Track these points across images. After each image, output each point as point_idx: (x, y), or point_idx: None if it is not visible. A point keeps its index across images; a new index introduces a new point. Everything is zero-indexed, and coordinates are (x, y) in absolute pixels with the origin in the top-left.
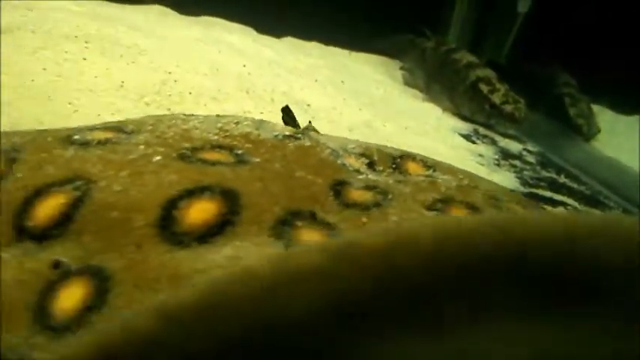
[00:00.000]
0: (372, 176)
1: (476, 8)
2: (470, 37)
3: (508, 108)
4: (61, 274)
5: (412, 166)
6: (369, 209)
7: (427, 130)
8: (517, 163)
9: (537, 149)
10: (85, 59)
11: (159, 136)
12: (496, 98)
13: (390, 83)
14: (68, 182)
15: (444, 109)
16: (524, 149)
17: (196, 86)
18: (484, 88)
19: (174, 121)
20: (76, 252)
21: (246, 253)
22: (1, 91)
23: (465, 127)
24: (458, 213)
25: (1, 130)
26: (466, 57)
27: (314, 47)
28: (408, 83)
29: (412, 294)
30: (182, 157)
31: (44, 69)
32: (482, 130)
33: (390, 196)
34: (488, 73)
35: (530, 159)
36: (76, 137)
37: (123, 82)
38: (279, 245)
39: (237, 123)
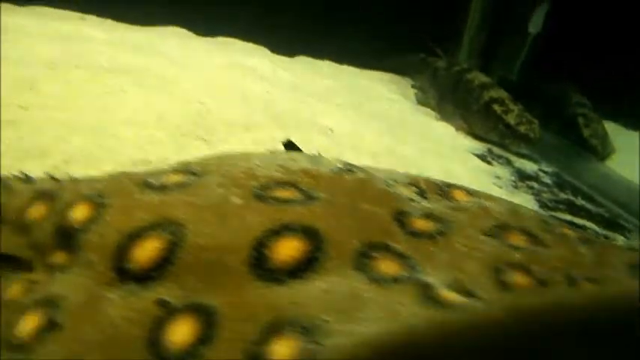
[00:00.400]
0: (425, 204)
1: (487, 26)
2: (481, 55)
3: (522, 128)
4: (168, 311)
5: (458, 193)
6: (434, 238)
7: (444, 152)
8: (534, 184)
9: (552, 169)
10: (124, 92)
11: (226, 175)
12: (510, 119)
13: (403, 102)
14: (159, 226)
15: (457, 129)
16: (540, 170)
17: (228, 116)
18: (498, 108)
19: (234, 161)
20: (177, 292)
21: (339, 287)
22: (54, 126)
23: (479, 146)
24: (516, 239)
25: (72, 175)
26: (479, 77)
27: (327, 66)
28: (420, 102)
29: None
30: (257, 197)
31: (90, 103)
32: (496, 150)
33: (450, 224)
34: (502, 93)
35: (547, 180)
36: (151, 181)
37: (160, 113)
38: (362, 277)
39: (293, 160)
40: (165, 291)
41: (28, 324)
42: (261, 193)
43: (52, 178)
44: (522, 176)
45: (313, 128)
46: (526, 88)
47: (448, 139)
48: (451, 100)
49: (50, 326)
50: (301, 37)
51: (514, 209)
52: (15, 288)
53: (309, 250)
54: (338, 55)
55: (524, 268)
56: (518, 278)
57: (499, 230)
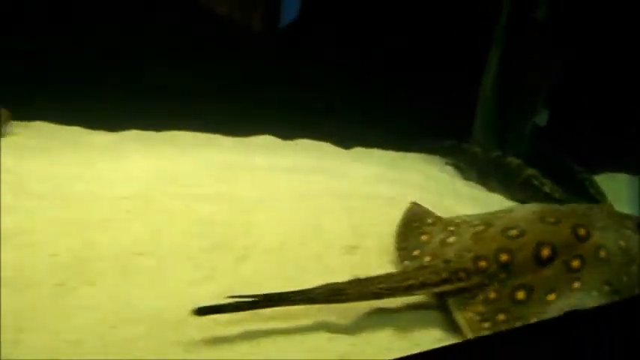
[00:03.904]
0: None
1: (496, 116)
2: (493, 138)
3: (556, 195)
4: None
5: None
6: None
7: None
8: None
9: None
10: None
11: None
12: (546, 188)
13: (450, 177)
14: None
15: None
16: None
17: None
18: (536, 182)
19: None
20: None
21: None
22: None
23: None
24: None
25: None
26: (514, 161)
27: (360, 153)
28: (465, 178)
29: None
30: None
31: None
32: None
33: None
34: (534, 171)
35: None
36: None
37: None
38: None
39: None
40: None
41: None
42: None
43: None
44: None
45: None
46: (538, 161)
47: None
48: (494, 177)
49: None
50: (325, 124)
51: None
52: None
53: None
54: (363, 140)
55: None
56: None
57: None
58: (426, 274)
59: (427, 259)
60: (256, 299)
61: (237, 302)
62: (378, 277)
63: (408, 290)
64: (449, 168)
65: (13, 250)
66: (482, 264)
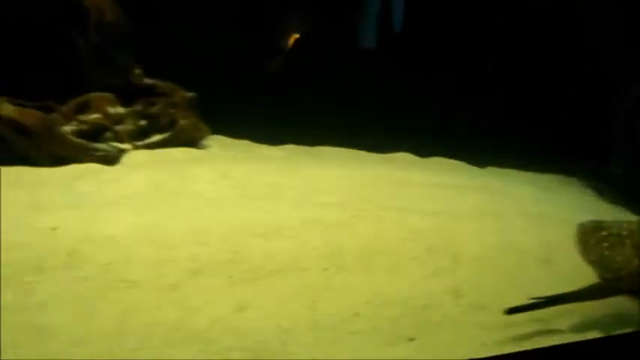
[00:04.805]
0: None
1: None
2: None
3: None
4: None
5: None
6: None
7: None
8: None
9: None
10: None
11: None
12: None
13: (595, 199)
14: None
15: None
16: None
17: None
18: None
19: None
20: None
21: None
22: None
23: None
24: None
25: None
26: None
27: (499, 173)
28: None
29: None
30: None
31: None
32: None
33: None
34: None
35: None
36: None
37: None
38: None
39: None
40: None
41: None
42: None
43: None
44: None
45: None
46: None
47: None
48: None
49: None
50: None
51: None
52: None
53: None
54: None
55: None
56: None
57: None
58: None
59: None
60: (542, 300)
61: (535, 302)
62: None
63: None
64: (589, 190)
65: (285, 240)
66: None
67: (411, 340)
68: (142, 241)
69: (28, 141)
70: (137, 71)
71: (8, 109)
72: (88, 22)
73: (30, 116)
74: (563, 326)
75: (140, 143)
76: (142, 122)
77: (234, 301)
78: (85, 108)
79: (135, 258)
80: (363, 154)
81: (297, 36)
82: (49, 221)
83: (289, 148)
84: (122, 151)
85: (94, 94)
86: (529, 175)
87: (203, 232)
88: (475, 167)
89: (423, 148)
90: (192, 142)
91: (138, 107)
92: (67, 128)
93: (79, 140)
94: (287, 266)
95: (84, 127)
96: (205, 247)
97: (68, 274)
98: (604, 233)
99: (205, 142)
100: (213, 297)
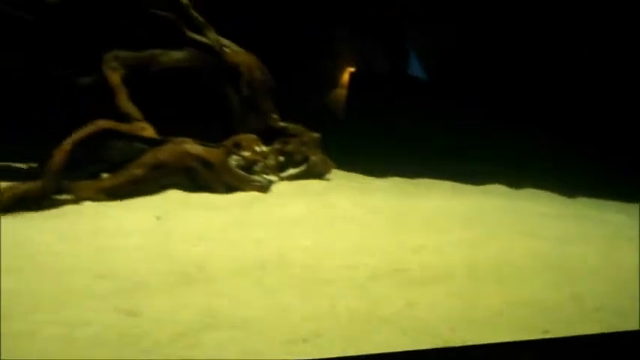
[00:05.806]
0: None
1: None
2: None
3: None
4: None
5: None
6: None
7: None
8: None
9: None
10: None
11: None
12: None
13: None
14: None
15: None
16: None
17: None
18: None
19: None
20: None
21: None
22: None
23: None
24: None
25: None
26: None
27: (582, 203)
28: None
29: None
30: None
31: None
32: None
33: None
34: None
35: None
36: None
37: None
38: None
39: None
40: None
41: None
42: None
43: None
44: None
45: None
46: None
47: None
48: None
49: None
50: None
51: None
52: None
53: None
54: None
55: None
56: None
57: None
58: None
59: None
60: None
61: None
62: None
63: None
64: None
65: (433, 255)
66: None
67: (546, 332)
68: (326, 252)
69: (211, 173)
70: (275, 116)
71: (198, 149)
72: (241, 80)
73: (212, 153)
74: None
75: (283, 175)
76: (281, 158)
77: (405, 299)
78: (237, 147)
79: (325, 263)
80: (459, 185)
81: (352, 69)
82: (253, 235)
83: (394, 180)
84: (271, 182)
85: (243, 135)
86: (620, 205)
87: (368, 247)
88: (564, 197)
89: (512, 179)
90: (321, 175)
91: (276, 146)
92: (233, 162)
93: (243, 172)
94: (438, 275)
95: (242, 162)
96: (372, 258)
97: (282, 272)
98: None
99: (329, 175)
100: (389, 294)
